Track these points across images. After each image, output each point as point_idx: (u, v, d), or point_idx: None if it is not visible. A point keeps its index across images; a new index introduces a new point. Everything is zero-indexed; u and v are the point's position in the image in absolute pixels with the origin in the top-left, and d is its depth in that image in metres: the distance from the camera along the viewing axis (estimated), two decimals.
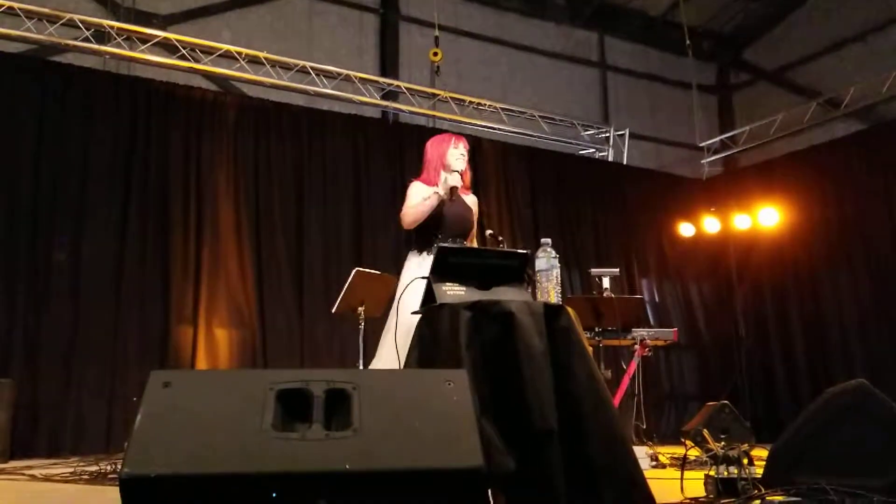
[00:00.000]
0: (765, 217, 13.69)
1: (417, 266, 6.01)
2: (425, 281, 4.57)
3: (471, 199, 6.48)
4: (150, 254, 10.39)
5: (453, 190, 5.97)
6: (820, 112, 14.27)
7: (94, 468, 6.92)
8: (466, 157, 6.40)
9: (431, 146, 6.45)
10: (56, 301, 9.71)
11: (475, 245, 6.37)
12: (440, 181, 6.15)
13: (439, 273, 4.44)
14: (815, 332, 13.54)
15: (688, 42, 13.50)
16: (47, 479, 6.63)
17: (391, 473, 2.82)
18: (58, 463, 8.10)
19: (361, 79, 12.34)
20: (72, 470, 7.00)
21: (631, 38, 16.32)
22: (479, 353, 4.05)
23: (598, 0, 15.37)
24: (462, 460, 2.90)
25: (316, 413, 2.89)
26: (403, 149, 12.55)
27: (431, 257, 5.43)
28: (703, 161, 15.99)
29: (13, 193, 9.81)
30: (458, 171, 6.17)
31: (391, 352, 5.16)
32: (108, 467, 6.78)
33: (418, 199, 6.10)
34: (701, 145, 15.95)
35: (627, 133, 14.80)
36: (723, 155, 15.93)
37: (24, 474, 6.99)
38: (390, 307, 6.22)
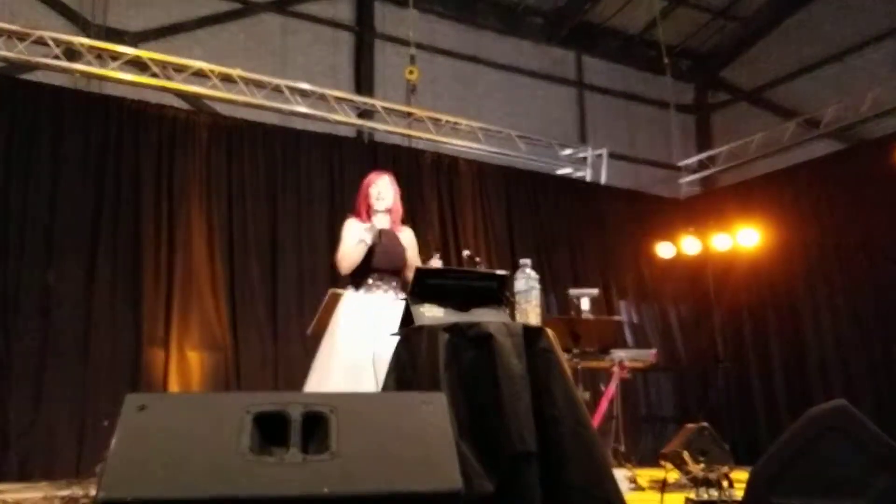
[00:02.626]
0: (744, 237, 13.69)
1: (355, 301, 6.35)
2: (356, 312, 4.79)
3: (406, 234, 6.75)
4: (121, 275, 10.25)
5: (381, 234, 6.32)
6: (798, 132, 14.29)
7: (65, 492, 6.85)
8: (392, 193, 6.74)
9: (360, 190, 6.85)
10: (25, 323, 9.56)
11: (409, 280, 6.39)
12: (367, 227, 6.39)
13: (417, 295, 4.41)
14: (793, 353, 13.54)
15: (666, 61, 13.53)
16: None
17: (369, 497, 2.83)
18: (28, 487, 8.02)
19: (336, 97, 12.25)
20: (42, 494, 6.94)
21: (609, 57, 16.37)
22: (457, 376, 4.04)
23: (575, 19, 15.42)
24: (441, 483, 2.91)
25: (293, 436, 2.89)
26: (379, 168, 12.50)
27: (365, 294, 6.24)
28: (681, 181, 16.02)
29: None
30: (380, 212, 6.61)
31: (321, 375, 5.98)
32: (80, 491, 6.72)
33: (352, 243, 6.38)
34: (679, 165, 16.00)
35: (605, 153, 14.78)
36: (701, 175, 15.95)
37: None
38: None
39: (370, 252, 6.27)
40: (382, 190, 6.67)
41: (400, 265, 6.45)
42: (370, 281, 6.32)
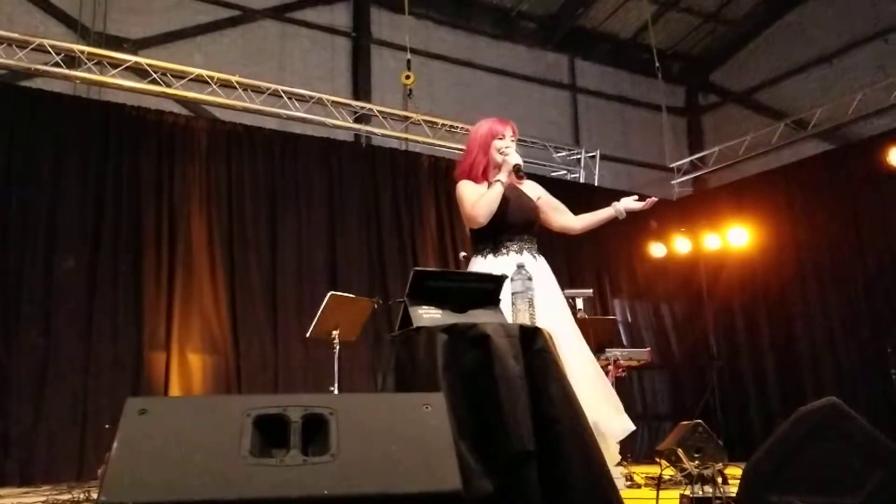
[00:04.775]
0: (735, 237, 13.77)
1: (489, 269, 5.36)
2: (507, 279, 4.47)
3: (529, 186, 5.89)
4: (122, 279, 10.28)
5: (517, 169, 5.44)
6: (788, 133, 14.39)
7: (66, 497, 6.87)
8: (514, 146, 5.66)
9: (474, 136, 5.79)
10: (26, 327, 9.58)
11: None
12: (500, 166, 5.52)
13: (415, 296, 4.43)
14: (785, 350, 13.64)
15: (657, 64, 13.55)
16: None
17: (369, 498, 2.81)
18: (29, 492, 8.04)
19: (334, 102, 12.29)
20: (44, 499, 6.95)
21: (601, 61, 16.45)
22: (456, 377, 4.04)
23: (568, 23, 15.48)
24: (440, 484, 2.90)
25: (293, 439, 2.87)
26: (377, 172, 12.56)
27: (500, 258, 5.42)
28: (673, 182, 16.06)
29: None
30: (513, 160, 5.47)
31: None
32: (81, 495, 6.73)
33: (476, 195, 5.48)
34: (671, 166, 16.04)
35: (598, 154, 14.83)
36: (693, 175, 16.03)
37: None
38: (365, 331, 6.01)
39: (502, 211, 5.42)
40: (511, 144, 5.65)
41: (535, 220, 5.74)
42: (501, 243, 5.49)
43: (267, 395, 3.08)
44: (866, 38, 14.05)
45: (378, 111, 12.62)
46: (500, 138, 5.63)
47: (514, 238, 5.50)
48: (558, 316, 4.95)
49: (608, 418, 5.25)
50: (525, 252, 5.51)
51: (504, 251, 5.46)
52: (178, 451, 2.78)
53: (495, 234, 5.49)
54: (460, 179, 5.68)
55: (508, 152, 5.52)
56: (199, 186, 11.06)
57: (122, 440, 2.78)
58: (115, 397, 9.04)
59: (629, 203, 5.97)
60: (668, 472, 7.52)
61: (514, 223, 5.51)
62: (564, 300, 5.49)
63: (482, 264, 5.48)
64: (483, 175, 5.63)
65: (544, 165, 14.49)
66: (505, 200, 5.43)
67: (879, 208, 12.51)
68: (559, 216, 6.07)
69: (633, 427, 5.30)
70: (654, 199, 5.92)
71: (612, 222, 13.17)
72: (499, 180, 5.37)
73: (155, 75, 11.10)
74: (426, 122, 12.90)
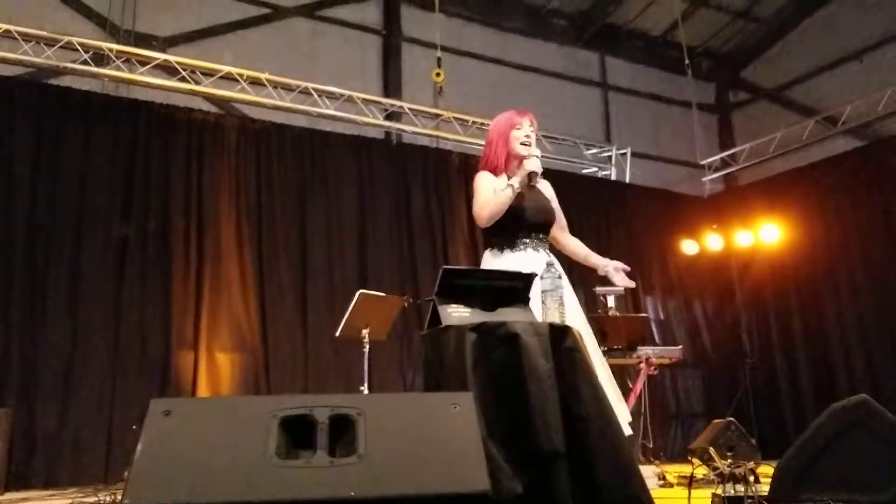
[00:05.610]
0: (766, 233, 13.75)
1: (497, 266, 5.35)
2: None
3: (545, 186, 5.78)
4: (151, 278, 10.29)
5: (532, 176, 5.31)
6: (818, 129, 14.32)
7: (92, 499, 6.83)
8: (534, 136, 5.62)
9: (494, 127, 5.74)
10: (54, 326, 9.58)
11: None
12: (520, 157, 5.43)
13: (444, 294, 4.40)
14: (817, 347, 13.60)
15: (687, 62, 13.51)
16: None
17: (397, 499, 2.81)
18: (55, 494, 8.01)
19: (364, 100, 12.27)
20: (69, 502, 6.95)
21: (632, 59, 16.39)
22: (485, 376, 4.02)
23: (599, 21, 15.42)
24: (468, 485, 2.89)
25: (320, 440, 2.87)
26: (407, 169, 12.55)
27: (514, 254, 5.33)
28: (704, 179, 16.01)
29: (10, 218, 9.71)
30: (534, 156, 5.38)
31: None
32: (107, 498, 6.69)
33: (489, 193, 5.40)
34: (702, 163, 15.97)
35: (629, 152, 14.79)
36: (723, 172, 15.97)
37: None
38: (395, 329, 5.94)
39: (519, 208, 5.35)
40: (530, 133, 5.59)
41: (551, 220, 5.63)
42: (517, 239, 5.39)
43: (293, 395, 3.06)
44: None
45: (408, 109, 12.60)
46: (519, 128, 5.57)
47: (530, 235, 5.42)
48: (571, 317, 4.89)
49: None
50: (541, 250, 5.43)
51: (521, 247, 5.38)
52: (203, 452, 2.79)
53: (513, 231, 5.41)
54: (480, 171, 5.63)
55: (528, 153, 5.43)
56: (229, 184, 11.07)
57: (147, 442, 2.79)
58: (143, 397, 8.96)
59: (612, 274, 5.80)
60: (701, 471, 7.49)
61: (531, 222, 5.42)
62: (577, 301, 5.40)
63: (496, 259, 5.42)
64: (505, 167, 5.56)
65: (575, 162, 14.46)
66: (523, 198, 5.37)
67: None
68: (556, 227, 5.85)
69: (630, 432, 5.21)
70: (632, 283, 5.91)
71: (644, 220, 13.10)
72: (511, 185, 5.29)
73: (184, 73, 11.10)
74: (457, 119, 12.87)
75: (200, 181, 10.89)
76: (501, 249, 5.41)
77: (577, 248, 5.95)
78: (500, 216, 5.29)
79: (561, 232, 5.89)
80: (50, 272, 9.72)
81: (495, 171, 5.55)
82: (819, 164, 14.08)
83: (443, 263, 6.85)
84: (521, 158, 5.43)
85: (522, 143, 5.51)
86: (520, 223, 5.39)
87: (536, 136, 5.64)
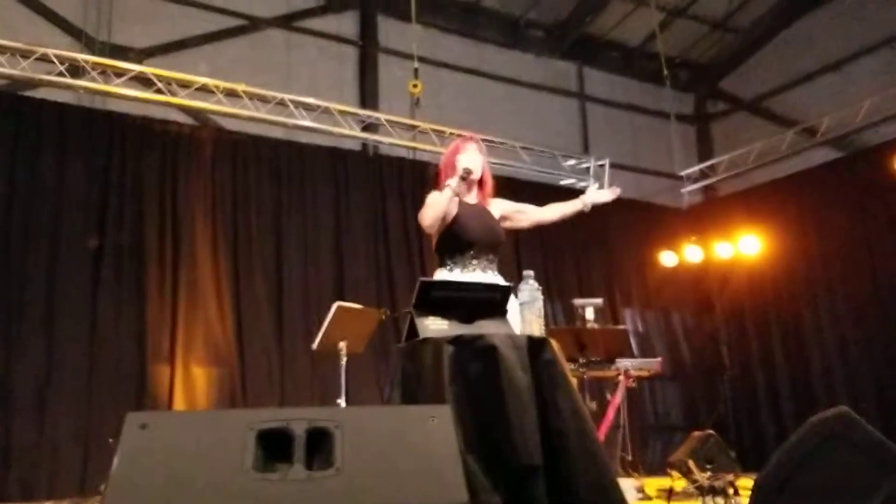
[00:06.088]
0: (745, 245, 13.79)
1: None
2: None
3: (496, 205, 5.99)
4: (126, 291, 10.26)
5: (466, 173, 5.58)
6: (797, 140, 14.34)
7: None
8: (482, 162, 5.90)
9: (443, 157, 6.05)
10: (29, 340, 9.55)
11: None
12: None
13: (421, 307, 4.39)
14: (797, 359, 13.64)
15: (665, 72, 13.53)
16: None
17: None
18: None
19: (341, 111, 12.23)
20: None
21: (610, 69, 16.42)
22: (463, 388, 4.02)
23: (577, 31, 15.45)
24: (447, 498, 2.88)
25: (297, 453, 2.85)
26: (384, 181, 12.56)
27: (463, 275, 5.43)
28: (683, 190, 16.05)
29: None
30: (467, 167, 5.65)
31: None
32: None
33: (433, 198, 5.65)
34: (681, 174, 16.00)
35: (608, 163, 14.80)
36: (702, 184, 16.00)
37: None
38: (372, 342, 5.97)
39: (465, 226, 5.54)
40: (473, 158, 5.81)
41: (499, 240, 5.76)
42: (467, 259, 5.53)
43: (270, 408, 3.04)
44: (874, 46, 14.01)
45: (385, 120, 12.57)
46: (464, 152, 5.80)
47: (479, 256, 5.55)
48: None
49: None
50: (489, 271, 5.55)
51: (471, 268, 5.50)
52: (180, 466, 2.77)
53: (462, 251, 5.55)
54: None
55: (462, 158, 5.70)
56: (205, 196, 11.05)
57: (123, 455, 2.76)
58: (119, 411, 8.89)
59: (595, 196, 6.29)
60: (680, 484, 7.49)
61: (479, 242, 5.56)
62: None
63: (446, 278, 5.50)
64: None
65: (553, 174, 14.45)
66: (472, 220, 5.57)
67: (888, 215, 12.56)
68: (527, 216, 6.24)
69: None
70: (618, 189, 6.33)
71: (622, 231, 13.07)
72: (448, 185, 5.50)
73: (160, 84, 11.05)
74: (434, 130, 12.84)
75: (176, 193, 10.86)
76: (452, 270, 5.53)
77: (555, 210, 6.41)
78: (440, 218, 5.52)
79: (531, 213, 6.28)
80: (25, 284, 9.68)
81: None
82: (798, 175, 14.13)
83: (420, 276, 6.85)
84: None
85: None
86: (468, 244, 5.53)
87: (484, 156, 5.94)
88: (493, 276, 5.52)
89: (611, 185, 13.38)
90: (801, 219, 13.72)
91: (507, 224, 6.03)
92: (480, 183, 5.89)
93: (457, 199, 5.63)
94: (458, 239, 5.53)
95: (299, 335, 10.82)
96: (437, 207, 5.52)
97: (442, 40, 14.47)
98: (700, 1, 15.18)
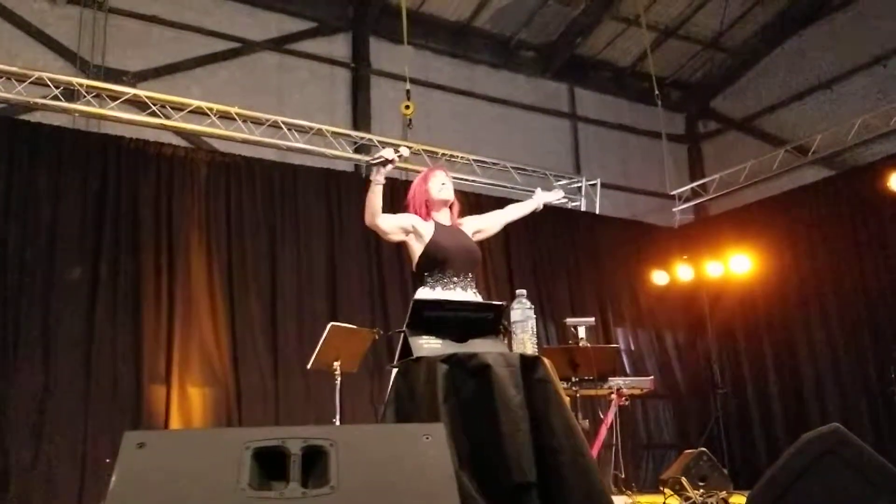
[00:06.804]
0: (737, 264, 13.80)
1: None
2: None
3: (468, 223, 6.18)
4: (121, 312, 10.22)
5: (385, 161, 5.62)
6: (788, 159, 14.40)
7: None
8: (451, 186, 6.09)
9: (412, 186, 6.24)
10: (26, 361, 9.51)
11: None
12: (438, 199, 6.00)
13: (414, 326, 4.41)
14: (789, 376, 13.63)
15: (657, 92, 13.55)
16: None
17: None
18: None
19: (333, 133, 12.28)
20: None
21: (601, 90, 16.46)
22: (456, 407, 4.04)
23: (567, 52, 15.49)
24: None
25: (293, 471, 2.85)
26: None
27: (444, 293, 5.51)
28: (674, 209, 16.06)
29: None
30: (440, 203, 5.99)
31: None
32: None
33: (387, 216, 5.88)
34: (672, 194, 16.02)
35: (599, 183, 14.84)
36: (694, 203, 16.03)
37: None
38: (366, 361, 6.02)
39: (442, 246, 5.68)
40: (445, 182, 6.05)
41: (475, 258, 5.94)
42: (447, 277, 5.64)
43: (266, 427, 3.05)
44: (865, 64, 14.07)
45: (378, 141, 12.58)
46: (434, 178, 6.10)
47: (458, 275, 5.68)
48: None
49: None
50: (469, 290, 5.69)
51: (451, 287, 5.62)
52: (177, 484, 2.76)
53: (440, 271, 5.69)
54: None
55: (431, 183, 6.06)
56: (199, 218, 11.04)
57: (121, 475, 2.76)
58: (115, 431, 8.95)
59: (544, 196, 6.67)
60: (673, 502, 7.50)
61: (457, 260, 5.71)
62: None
63: (428, 296, 5.59)
64: (427, 214, 5.97)
65: None
66: (448, 240, 5.77)
67: (880, 233, 12.57)
68: (494, 220, 6.56)
69: None
70: (561, 191, 6.84)
71: (614, 251, 13.13)
72: (371, 180, 5.73)
73: (154, 107, 11.10)
74: (426, 151, 12.87)
75: (170, 215, 10.84)
76: (434, 289, 5.63)
77: (513, 210, 6.76)
78: (377, 213, 5.76)
79: (497, 217, 6.60)
80: (22, 306, 9.66)
81: (419, 215, 6.00)
82: (789, 194, 14.16)
83: (412, 296, 6.87)
84: (439, 200, 5.96)
85: (438, 191, 6.00)
86: (446, 264, 5.66)
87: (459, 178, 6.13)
88: (472, 295, 5.65)
89: (601, 204, 13.54)
90: (792, 237, 13.73)
91: (481, 236, 6.28)
92: (451, 206, 6.07)
93: (432, 222, 5.84)
94: (436, 258, 5.67)
95: (294, 355, 10.79)
96: (368, 204, 5.72)
97: (433, 62, 14.51)
98: (691, 20, 15.24)
